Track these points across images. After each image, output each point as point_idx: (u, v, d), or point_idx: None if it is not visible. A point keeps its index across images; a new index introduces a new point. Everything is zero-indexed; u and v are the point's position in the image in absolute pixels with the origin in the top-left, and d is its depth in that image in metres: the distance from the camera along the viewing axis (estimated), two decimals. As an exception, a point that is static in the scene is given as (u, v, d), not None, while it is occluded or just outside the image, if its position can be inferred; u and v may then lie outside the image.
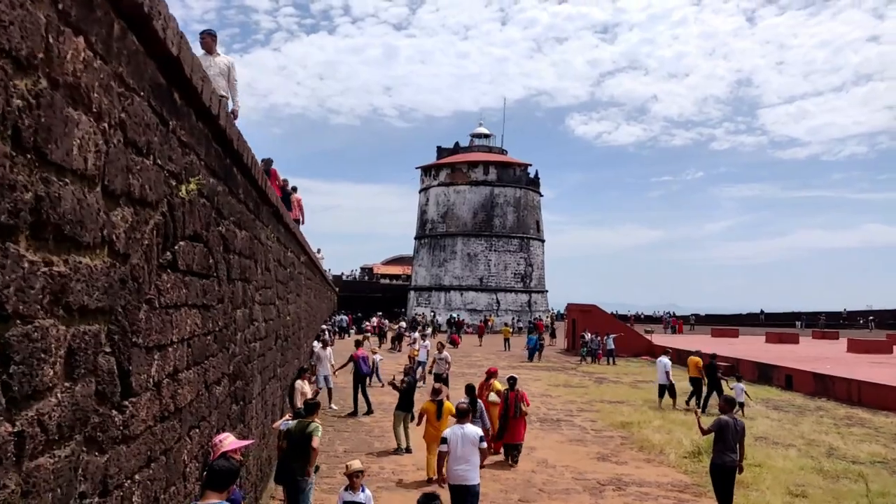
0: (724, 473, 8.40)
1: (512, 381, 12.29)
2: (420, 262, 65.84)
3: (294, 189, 16.13)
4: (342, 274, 75.27)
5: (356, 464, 7.04)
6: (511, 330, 41.91)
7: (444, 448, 7.90)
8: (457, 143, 68.89)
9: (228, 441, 5.06)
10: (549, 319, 59.07)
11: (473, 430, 8.07)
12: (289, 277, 12.49)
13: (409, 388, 12.69)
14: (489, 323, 53.87)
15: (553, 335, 42.71)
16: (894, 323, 53.54)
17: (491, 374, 13.00)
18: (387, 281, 79.10)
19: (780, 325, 59.46)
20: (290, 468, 8.01)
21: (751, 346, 37.33)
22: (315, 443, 7.94)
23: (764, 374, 26.32)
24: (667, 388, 18.46)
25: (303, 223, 16.76)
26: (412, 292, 65.97)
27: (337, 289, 63.22)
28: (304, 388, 11.17)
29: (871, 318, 56.72)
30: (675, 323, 57.29)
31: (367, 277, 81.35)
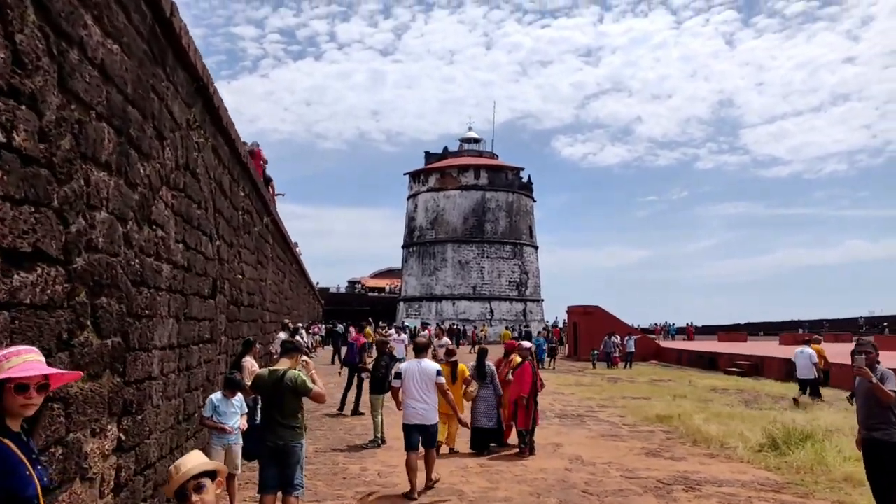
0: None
1: (528, 350, 9.75)
2: (409, 272, 62.90)
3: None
4: (329, 288, 72.16)
5: (191, 460, 2.73)
6: (511, 335, 39.19)
7: (396, 384, 7.38)
8: (446, 148, 66.44)
9: (22, 360, 2.28)
10: (545, 331, 56.04)
11: (431, 364, 7.44)
12: (242, 227, 9.68)
13: (384, 371, 10.13)
14: (482, 334, 50.51)
15: (562, 342, 39.95)
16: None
17: (510, 349, 10.27)
18: (375, 294, 76.03)
19: (783, 332, 57.00)
20: (266, 436, 5.68)
21: (768, 348, 34.88)
22: (315, 392, 5.71)
23: (794, 371, 23.79)
24: (811, 383, 15.79)
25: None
26: (401, 303, 62.95)
27: (323, 301, 60.31)
28: (255, 366, 8.33)
29: (884, 323, 54.69)
30: (689, 330, 54.52)
31: (356, 289, 78.22)
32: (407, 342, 20.32)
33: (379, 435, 9.88)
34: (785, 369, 24.97)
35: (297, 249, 26.50)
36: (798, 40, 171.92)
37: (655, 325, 60.45)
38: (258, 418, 6.59)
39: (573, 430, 11.64)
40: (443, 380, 7.47)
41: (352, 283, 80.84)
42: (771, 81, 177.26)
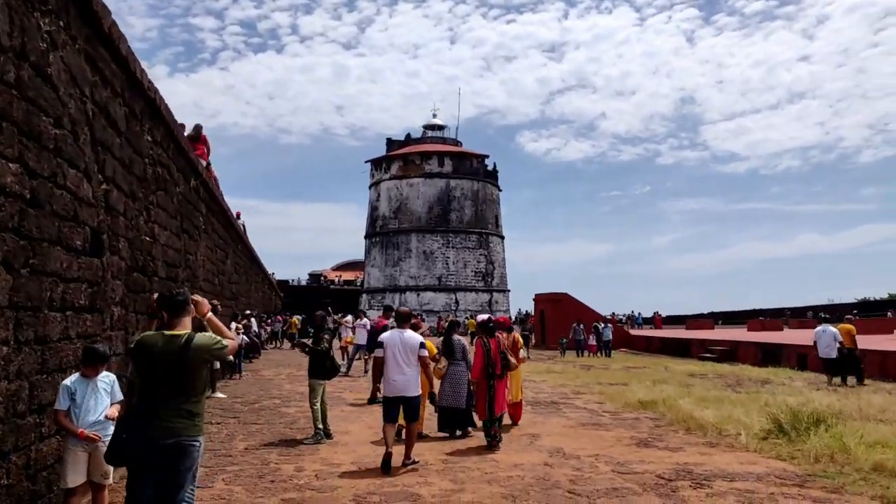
0: None
1: (488, 323, 8.60)
2: (372, 263, 61.10)
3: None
4: (288, 281, 69.79)
5: None
6: (476, 323, 37.97)
7: (379, 353, 7.06)
8: (408, 135, 64.62)
9: None
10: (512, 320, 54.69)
11: (414, 335, 7.08)
12: (152, 180, 7.97)
13: (327, 348, 8.71)
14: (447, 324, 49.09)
15: (532, 332, 38.90)
16: (857, 314, 51.67)
17: (502, 325, 9.35)
18: (337, 287, 73.86)
19: (744, 321, 56.69)
20: (145, 429, 3.72)
21: (738, 334, 34.17)
22: (231, 346, 3.99)
23: (770, 355, 23.11)
24: (838, 363, 14.91)
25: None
26: (364, 295, 61.13)
27: (282, 294, 58.08)
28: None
29: (854, 311, 54.97)
30: (657, 319, 53.54)
31: (321, 281, 75.92)
32: (368, 327, 18.62)
33: (321, 427, 8.30)
34: (761, 354, 24.22)
35: (240, 220, 24.34)
36: (756, 38, 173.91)
37: (613, 314, 59.23)
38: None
39: (549, 418, 10.24)
40: (426, 353, 7.17)
41: (313, 276, 78.50)
42: (730, 79, 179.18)
